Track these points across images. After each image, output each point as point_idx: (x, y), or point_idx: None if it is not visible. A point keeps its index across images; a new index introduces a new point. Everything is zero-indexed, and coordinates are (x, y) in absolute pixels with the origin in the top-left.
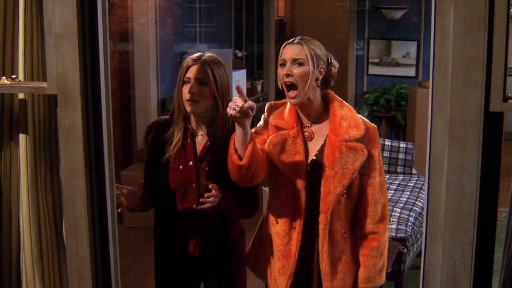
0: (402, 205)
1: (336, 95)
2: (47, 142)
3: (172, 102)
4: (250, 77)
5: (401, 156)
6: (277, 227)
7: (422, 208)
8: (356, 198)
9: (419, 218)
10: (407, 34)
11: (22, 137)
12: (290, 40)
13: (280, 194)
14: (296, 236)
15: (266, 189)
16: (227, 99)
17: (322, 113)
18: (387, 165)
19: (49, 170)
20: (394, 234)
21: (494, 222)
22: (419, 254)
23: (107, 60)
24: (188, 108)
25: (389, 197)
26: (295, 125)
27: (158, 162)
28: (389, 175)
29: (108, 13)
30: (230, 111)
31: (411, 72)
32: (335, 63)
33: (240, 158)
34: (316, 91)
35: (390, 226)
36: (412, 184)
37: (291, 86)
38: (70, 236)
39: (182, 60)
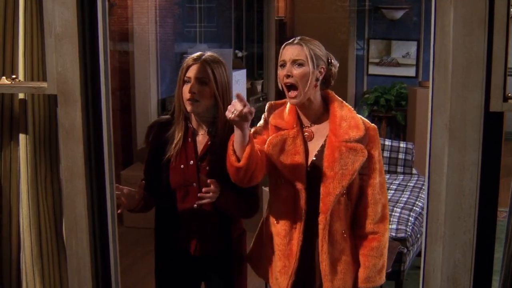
0: (402, 205)
1: (336, 96)
2: (47, 142)
3: (172, 102)
4: (250, 77)
5: (401, 156)
6: (278, 227)
7: (422, 208)
8: (356, 199)
9: (419, 218)
10: (407, 34)
11: (22, 137)
12: (290, 41)
13: (280, 195)
14: (297, 235)
15: (266, 189)
16: (227, 98)
17: (322, 113)
18: (387, 165)
19: (49, 170)
20: (394, 234)
21: (494, 222)
22: (419, 254)
23: (107, 60)
24: (189, 108)
25: (389, 197)
26: (295, 125)
27: (159, 161)
28: (389, 175)
29: (108, 13)
30: (229, 114)
31: (411, 72)
32: (335, 62)
33: (238, 160)
34: (316, 91)
35: (390, 226)
36: (412, 184)
37: (291, 87)
38: (70, 236)
39: (182, 60)
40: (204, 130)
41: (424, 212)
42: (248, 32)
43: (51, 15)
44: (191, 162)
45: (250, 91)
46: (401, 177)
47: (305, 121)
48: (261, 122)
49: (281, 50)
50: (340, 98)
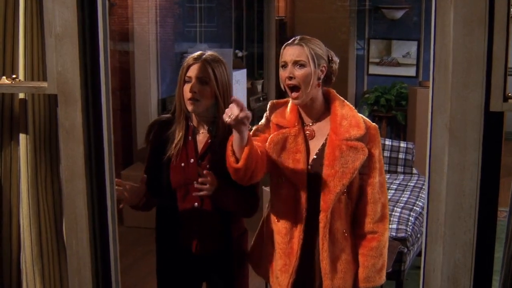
0: (403, 205)
1: (337, 94)
2: (47, 142)
3: (173, 102)
4: (250, 77)
5: (401, 155)
6: (279, 225)
7: (422, 208)
8: (356, 198)
9: (419, 218)
10: (407, 34)
11: (22, 137)
12: (290, 41)
13: (281, 193)
14: (297, 234)
15: (266, 188)
16: (228, 97)
17: (323, 112)
18: (387, 165)
19: (49, 170)
20: (394, 234)
21: (494, 222)
22: (419, 254)
23: (107, 60)
24: (190, 107)
25: (389, 197)
26: (296, 124)
27: (160, 160)
28: (389, 174)
29: (108, 13)
30: (226, 118)
31: (411, 72)
32: (335, 59)
33: (237, 161)
34: (318, 90)
35: (390, 226)
36: (412, 184)
37: (294, 88)
38: (71, 236)
39: (182, 59)
40: (204, 129)
41: (424, 212)
42: (248, 32)
43: (51, 14)
44: (192, 160)
45: (251, 91)
46: (401, 177)
47: (307, 119)
48: (263, 120)
49: (281, 51)
50: (341, 97)
